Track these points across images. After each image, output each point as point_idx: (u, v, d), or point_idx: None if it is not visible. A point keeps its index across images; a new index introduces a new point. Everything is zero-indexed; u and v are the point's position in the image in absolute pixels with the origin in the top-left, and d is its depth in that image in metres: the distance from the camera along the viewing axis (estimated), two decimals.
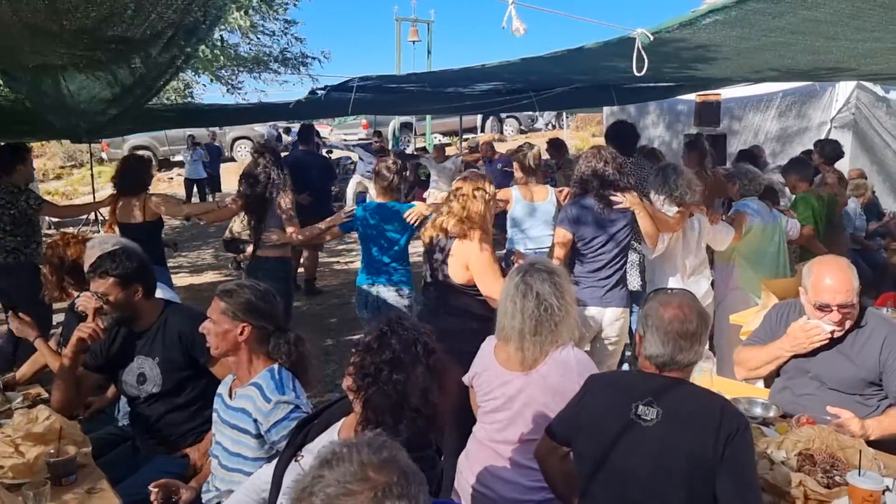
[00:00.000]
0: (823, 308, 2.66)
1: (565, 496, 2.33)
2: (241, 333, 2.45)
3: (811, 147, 6.67)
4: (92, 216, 11.43)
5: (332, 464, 1.31)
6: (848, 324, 2.69)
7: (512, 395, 2.61)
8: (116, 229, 5.10)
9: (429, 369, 1.89)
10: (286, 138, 18.60)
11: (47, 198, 7.34)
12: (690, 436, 1.98)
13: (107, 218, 5.31)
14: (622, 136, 5.23)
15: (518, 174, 5.01)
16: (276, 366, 2.48)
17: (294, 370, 2.51)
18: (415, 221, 4.25)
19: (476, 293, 3.43)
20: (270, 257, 4.63)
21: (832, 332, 2.69)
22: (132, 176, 5.10)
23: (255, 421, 2.41)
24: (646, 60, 2.33)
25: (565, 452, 2.29)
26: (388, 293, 4.39)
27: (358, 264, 4.70)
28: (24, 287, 4.56)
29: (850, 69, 4.80)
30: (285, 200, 4.69)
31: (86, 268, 3.19)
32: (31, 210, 5.19)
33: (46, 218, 11.17)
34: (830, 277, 2.65)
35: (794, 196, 5.47)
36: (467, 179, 3.51)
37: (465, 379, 2.82)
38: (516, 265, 2.84)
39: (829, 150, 6.13)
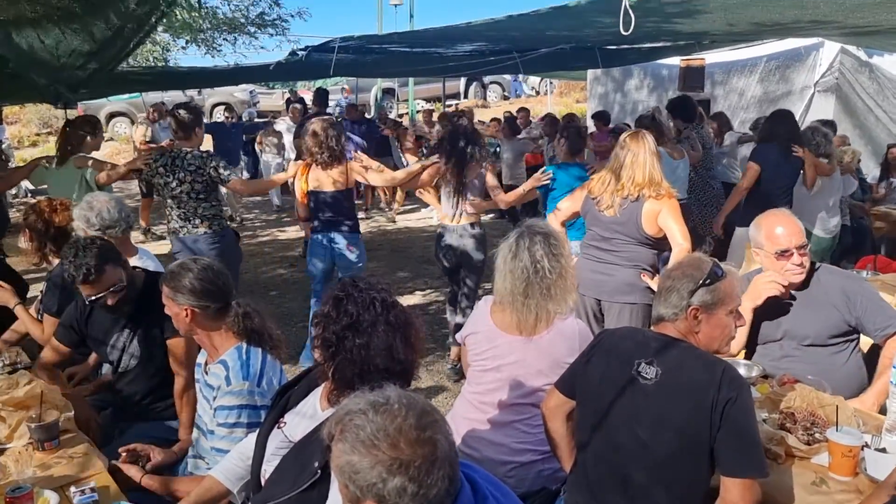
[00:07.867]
0: (784, 254, 2.74)
1: (563, 457, 2.33)
2: (187, 316, 2.41)
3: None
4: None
5: (379, 411, 1.30)
6: (806, 262, 2.76)
7: (506, 357, 2.60)
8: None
9: (390, 326, 1.85)
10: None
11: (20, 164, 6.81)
12: (687, 399, 1.96)
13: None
14: (688, 108, 6.42)
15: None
16: (244, 344, 2.41)
17: (259, 345, 2.43)
18: None
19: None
20: (474, 222, 4.83)
21: (787, 285, 2.77)
22: (336, 144, 4.76)
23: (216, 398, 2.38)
24: (633, 18, 2.28)
25: (570, 409, 2.28)
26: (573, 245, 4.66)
27: None
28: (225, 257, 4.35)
29: (836, 22, 4.79)
30: (489, 173, 4.82)
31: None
32: (219, 179, 4.62)
33: (23, 185, 10.63)
34: (780, 225, 2.78)
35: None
36: (635, 139, 3.66)
37: (458, 337, 2.81)
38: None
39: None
